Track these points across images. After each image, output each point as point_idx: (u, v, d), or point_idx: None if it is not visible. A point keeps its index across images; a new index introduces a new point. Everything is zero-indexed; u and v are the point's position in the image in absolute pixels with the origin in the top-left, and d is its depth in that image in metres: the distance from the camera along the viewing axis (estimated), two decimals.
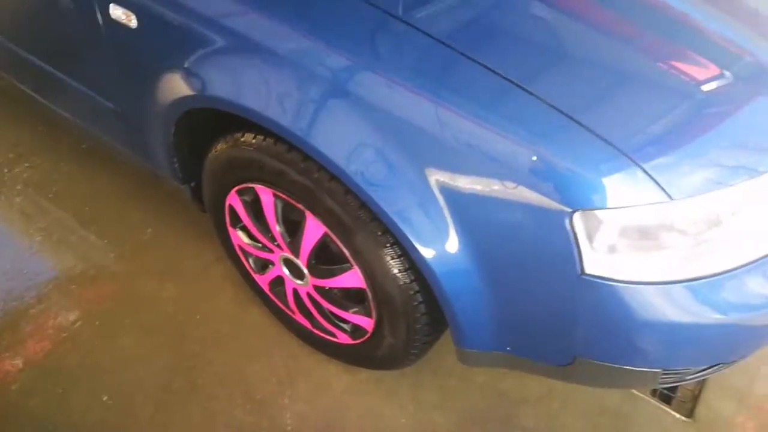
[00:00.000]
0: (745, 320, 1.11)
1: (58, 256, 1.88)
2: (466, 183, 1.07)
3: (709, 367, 1.27)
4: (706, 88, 1.10)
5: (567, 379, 1.29)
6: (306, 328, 1.60)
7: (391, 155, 1.11)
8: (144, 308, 1.76)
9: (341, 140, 1.14)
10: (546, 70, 1.08)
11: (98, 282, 1.81)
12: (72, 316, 1.73)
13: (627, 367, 1.20)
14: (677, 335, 1.10)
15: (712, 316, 1.08)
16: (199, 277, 1.83)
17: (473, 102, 1.04)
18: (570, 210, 1.00)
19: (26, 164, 2.16)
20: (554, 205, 1.00)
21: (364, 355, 1.53)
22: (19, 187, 2.08)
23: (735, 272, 1.08)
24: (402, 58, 1.12)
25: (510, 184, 1.03)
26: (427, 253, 1.14)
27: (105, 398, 1.57)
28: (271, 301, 1.65)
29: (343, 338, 1.52)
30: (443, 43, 1.09)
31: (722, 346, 1.18)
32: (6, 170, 2.14)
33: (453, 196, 1.09)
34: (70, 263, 1.86)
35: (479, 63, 1.06)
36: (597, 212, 1.00)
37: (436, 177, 1.09)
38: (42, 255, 1.89)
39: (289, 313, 1.61)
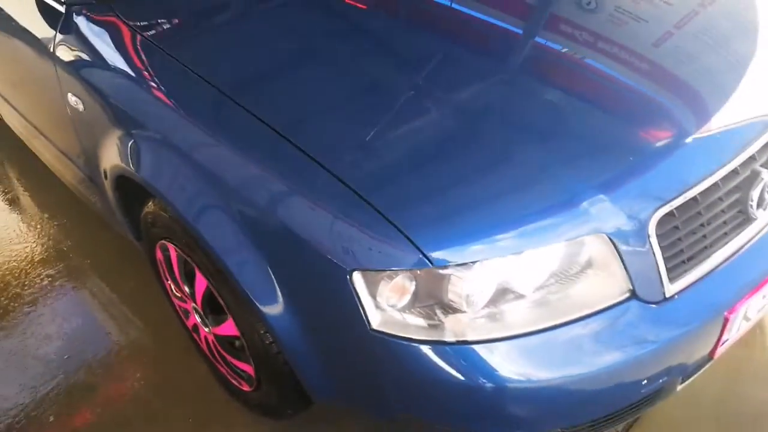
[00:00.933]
0: (537, 385, 1.16)
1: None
2: (285, 255, 1.25)
3: None
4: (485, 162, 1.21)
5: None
6: (224, 375, 1.77)
7: (246, 241, 1.28)
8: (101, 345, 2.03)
9: (217, 230, 1.33)
10: (346, 148, 1.25)
11: None
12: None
13: (446, 429, 1.27)
14: (469, 397, 1.17)
15: (491, 382, 1.14)
16: (163, 323, 2.07)
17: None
18: (348, 269, 1.14)
19: (55, 222, 2.57)
20: (338, 264, 1.15)
21: (258, 402, 1.67)
22: (44, 239, 2.47)
23: (520, 339, 1.15)
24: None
25: (311, 245, 1.18)
26: (265, 310, 1.30)
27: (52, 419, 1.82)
28: (201, 350, 1.84)
29: (245, 386, 1.68)
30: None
31: (528, 412, 1.22)
32: (39, 226, 2.56)
33: (277, 267, 1.26)
34: None
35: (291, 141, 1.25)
36: (371, 273, 1.13)
37: (268, 252, 1.27)
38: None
39: (213, 360, 1.80)
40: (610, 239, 1.16)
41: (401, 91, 1.37)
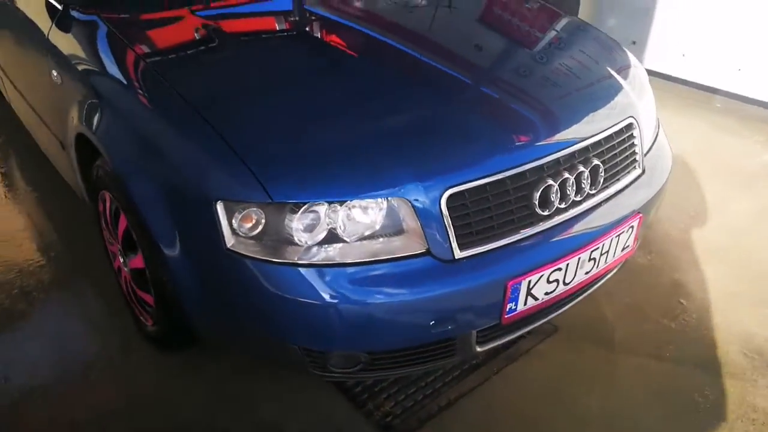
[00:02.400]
0: (348, 305, 1.52)
1: None
2: (175, 194, 1.65)
3: (354, 367, 1.65)
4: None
5: (246, 351, 1.72)
6: (137, 315, 2.13)
7: (153, 185, 1.69)
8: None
9: (135, 178, 1.75)
10: (233, 112, 1.68)
11: None
12: None
13: (271, 341, 1.63)
14: (294, 309, 1.53)
15: (311, 298, 1.51)
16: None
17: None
18: (213, 199, 1.53)
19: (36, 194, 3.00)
20: (207, 195, 1.54)
21: (156, 336, 2.02)
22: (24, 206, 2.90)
23: (338, 268, 1.52)
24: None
25: (192, 182, 1.59)
26: (160, 241, 1.68)
27: None
28: (125, 297, 2.20)
29: (149, 321, 2.03)
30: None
31: (338, 327, 1.55)
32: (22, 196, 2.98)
33: (170, 204, 1.66)
34: None
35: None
36: (228, 203, 1.52)
37: (164, 192, 1.67)
38: None
39: (130, 301, 2.14)
40: (413, 206, 1.55)
41: (296, 89, 1.82)
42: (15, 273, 2.48)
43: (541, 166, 1.68)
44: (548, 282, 1.71)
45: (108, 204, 2.01)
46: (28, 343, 2.19)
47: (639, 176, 1.96)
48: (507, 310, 1.67)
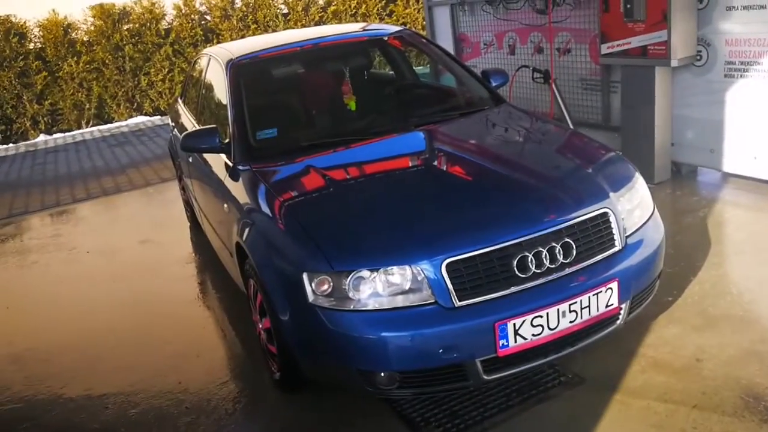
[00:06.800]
0: (387, 337, 2.33)
1: None
2: (284, 276, 2.62)
3: (393, 385, 2.41)
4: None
5: (329, 380, 2.58)
6: (270, 366, 3.06)
7: (273, 273, 2.69)
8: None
9: (264, 269, 2.77)
10: (318, 220, 2.64)
11: None
12: None
13: (340, 366, 2.47)
14: (351, 341, 2.38)
15: (362, 333, 2.36)
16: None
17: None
18: (301, 272, 2.46)
19: (217, 294, 4.18)
20: (298, 270, 2.48)
21: (282, 380, 2.92)
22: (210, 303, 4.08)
23: (381, 312, 2.36)
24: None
25: (291, 263, 2.55)
26: (277, 308, 2.64)
27: None
28: (262, 352, 3.15)
29: (276, 368, 2.95)
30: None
31: (380, 353, 2.35)
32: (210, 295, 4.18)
33: (282, 283, 2.63)
34: None
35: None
36: (309, 273, 2.44)
37: (280, 277, 2.65)
38: None
39: (266, 355, 3.09)
40: (423, 272, 2.35)
41: (356, 201, 2.77)
42: (236, 346, 3.61)
43: (519, 243, 2.41)
44: (533, 325, 2.37)
45: (252, 288, 3.04)
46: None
47: (618, 251, 2.57)
48: (500, 345, 2.35)
